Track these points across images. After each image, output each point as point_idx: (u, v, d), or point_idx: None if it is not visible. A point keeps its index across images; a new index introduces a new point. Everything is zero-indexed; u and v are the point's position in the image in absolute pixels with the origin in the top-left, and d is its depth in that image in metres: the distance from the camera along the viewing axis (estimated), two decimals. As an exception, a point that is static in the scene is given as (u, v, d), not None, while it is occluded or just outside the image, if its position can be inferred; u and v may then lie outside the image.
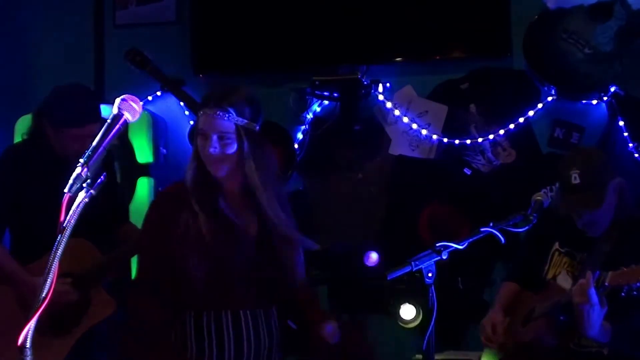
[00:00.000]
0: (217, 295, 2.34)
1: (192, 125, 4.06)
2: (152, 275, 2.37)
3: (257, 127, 2.38)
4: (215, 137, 2.31)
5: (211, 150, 2.31)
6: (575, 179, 2.66)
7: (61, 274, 2.78)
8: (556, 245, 2.85)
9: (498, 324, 2.84)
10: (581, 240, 2.76)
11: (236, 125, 2.31)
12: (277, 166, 2.52)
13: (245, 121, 2.33)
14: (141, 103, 1.90)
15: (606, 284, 2.43)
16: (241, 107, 2.33)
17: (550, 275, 2.82)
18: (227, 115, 2.30)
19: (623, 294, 2.43)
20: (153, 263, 2.39)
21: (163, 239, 2.34)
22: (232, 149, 2.32)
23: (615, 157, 3.58)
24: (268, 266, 2.39)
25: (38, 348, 2.73)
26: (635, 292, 2.43)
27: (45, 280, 1.59)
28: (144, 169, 4.10)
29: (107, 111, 3.82)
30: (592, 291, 2.43)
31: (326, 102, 4.11)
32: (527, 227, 2.53)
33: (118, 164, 3.94)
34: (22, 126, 4.06)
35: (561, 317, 2.62)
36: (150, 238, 2.41)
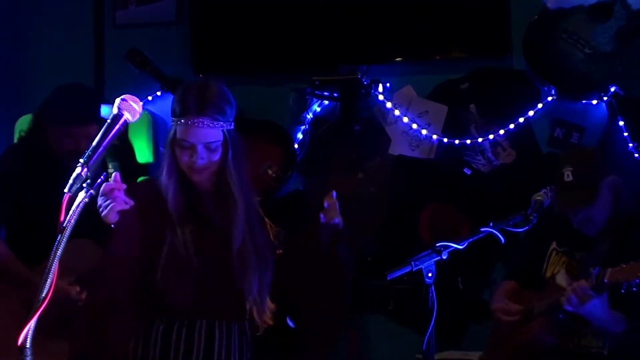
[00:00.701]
0: (193, 304, 2.22)
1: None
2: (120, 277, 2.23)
3: (233, 126, 2.26)
4: (201, 147, 2.18)
5: (199, 162, 2.19)
6: (568, 176, 2.68)
7: (68, 277, 2.82)
8: (554, 245, 2.85)
9: (509, 302, 2.85)
10: (579, 240, 2.76)
11: (222, 131, 2.20)
12: (248, 167, 2.38)
13: (229, 124, 2.22)
14: (141, 103, 1.90)
15: (605, 280, 2.44)
16: (223, 109, 2.21)
17: (548, 275, 2.83)
18: (214, 122, 2.17)
19: (622, 290, 2.43)
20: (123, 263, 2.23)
21: (136, 240, 2.20)
22: (218, 155, 2.22)
23: (613, 156, 3.59)
24: (245, 276, 2.27)
25: (47, 348, 2.78)
26: (634, 289, 2.43)
27: (45, 280, 1.59)
28: (144, 169, 4.09)
29: (107, 111, 3.82)
30: (573, 298, 2.46)
31: (326, 102, 4.11)
32: (527, 227, 2.54)
33: (118, 164, 3.95)
34: (22, 126, 4.08)
35: (560, 316, 2.63)
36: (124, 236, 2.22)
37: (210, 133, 2.18)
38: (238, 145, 2.26)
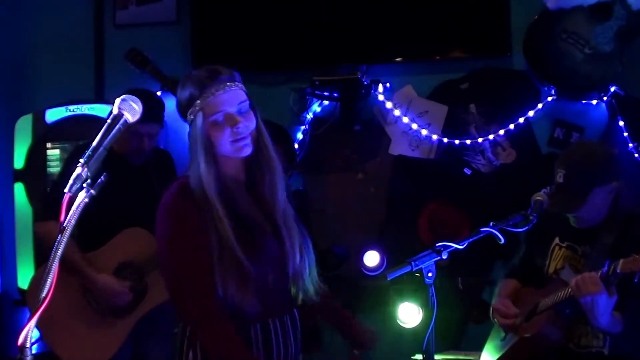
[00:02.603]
0: (246, 307, 2.08)
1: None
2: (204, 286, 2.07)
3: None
4: (237, 113, 2.07)
5: (241, 127, 2.06)
6: (560, 177, 2.68)
7: (121, 264, 3.17)
8: (556, 240, 2.86)
9: (509, 303, 2.85)
10: (581, 234, 2.76)
11: (245, 93, 2.12)
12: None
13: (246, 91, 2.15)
14: (141, 103, 1.90)
15: (618, 271, 2.43)
16: (235, 75, 2.14)
17: (551, 270, 2.83)
18: (234, 83, 2.10)
19: (636, 280, 2.42)
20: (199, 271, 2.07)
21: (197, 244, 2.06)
22: (254, 122, 2.11)
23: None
24: (286, 265, 2.15)
25: (100, 328, 3.12)
26: None
27: (46, 281, 1.59)
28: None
29: (106, 111, 3.82)
30: (581, 285, 2.47)
31: (326, 102, 4.11)
32: (527, 227, 2.54)
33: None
34: (22, 126, 4.08)
35: (567, 310, 2.62)
36: (187, 243, 2.08)
37: (237, 93, 2.09)
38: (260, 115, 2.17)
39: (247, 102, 2.11)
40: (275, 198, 2.16)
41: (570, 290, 2.56)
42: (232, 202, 2.11)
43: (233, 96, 2.08)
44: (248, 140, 2.10)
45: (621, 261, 2.44)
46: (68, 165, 3.34)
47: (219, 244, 2.05)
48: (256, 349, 2.12)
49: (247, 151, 2.11)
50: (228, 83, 2.08)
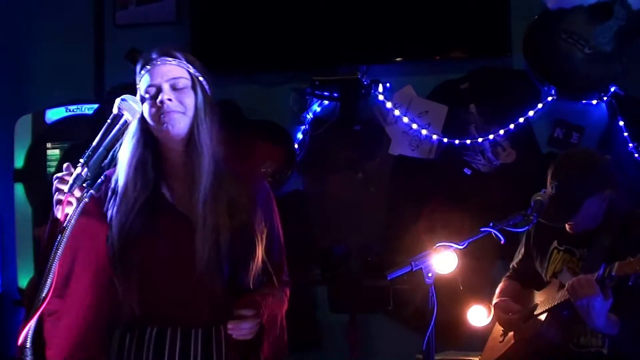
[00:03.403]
0: (145, 309, 1.99)
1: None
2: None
3: (208, 90, 2.08)
4: (168, 87, 1.99)
5: (167, 100, 1.96)
6: (552, 189, 2.68)
7: None
8: (554, 244, 2.86)
9: (510, 301, 2.85)
10: (578, 237, 2.76)
11: (189, 72, 2.04)
12: (220, 143, 2.07)
13: (198, 72, 2.05)
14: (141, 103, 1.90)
15: (613, 274, 2.44)
16: (190, 58, 2.07)
17: (550, 273, 2.83)
18: (177, 60, 2.02)
19: (630, 282, 2.43)
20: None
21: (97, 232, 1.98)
22: (190, 98, 2.01)
23: (613, 162, 3.56)
24: (219, 273, 1.97)
25: None
26: None
27: (45, 281, 1.59)
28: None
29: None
30: (577, 287, 2.47)
31: (326, 102, 4.11)
32: (527, 227, 2.54)
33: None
34: (22, 126, 4.09)
35: (564, 312, 2.63)
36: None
37: (175, 69, 2.02)
38: (211, 105, 2.05)
39: (184, 80, 2.02)
40: (192, 193, 1.99)
41: (567, 292, 2.57)
42: (147, 187, 2.01)
43: (170, 70, 2.01)
44: (175, 117, 1.97)
45: (617, 264, 2.44)
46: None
47: (117, 227, 1.98)
48: (145, 356, 2.00)
49: (172, 129, 1.97)
50: (168, 59, 2.03)
